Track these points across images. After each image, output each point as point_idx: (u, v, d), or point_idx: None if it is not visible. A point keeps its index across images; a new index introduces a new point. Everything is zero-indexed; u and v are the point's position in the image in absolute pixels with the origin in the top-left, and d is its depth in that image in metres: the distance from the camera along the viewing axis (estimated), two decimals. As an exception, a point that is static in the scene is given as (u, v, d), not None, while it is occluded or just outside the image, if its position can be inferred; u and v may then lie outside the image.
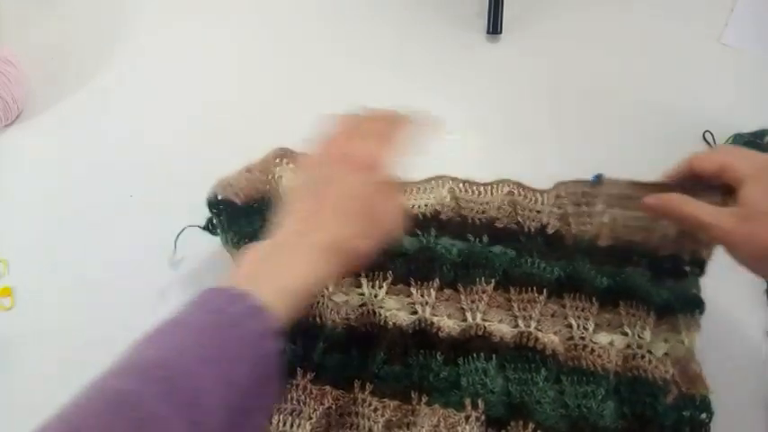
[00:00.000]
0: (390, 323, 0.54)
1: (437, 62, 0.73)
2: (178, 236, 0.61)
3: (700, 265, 0.55)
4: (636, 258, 0.55)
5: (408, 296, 0.56)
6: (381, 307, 0.55)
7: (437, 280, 0.56)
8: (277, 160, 0.61)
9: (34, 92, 0.74)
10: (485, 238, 0.57)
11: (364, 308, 0.55)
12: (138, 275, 0.62)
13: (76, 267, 0.63)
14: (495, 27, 0.73)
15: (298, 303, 0.41)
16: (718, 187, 0.48)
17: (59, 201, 0.67)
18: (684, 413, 0.50)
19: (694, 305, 0.53)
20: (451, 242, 0.57)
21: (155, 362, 0.35)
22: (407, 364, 0.53)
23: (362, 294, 0.56)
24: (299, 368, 0.52)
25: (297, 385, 0.52)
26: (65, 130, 0.72)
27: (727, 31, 0.72)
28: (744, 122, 0.63)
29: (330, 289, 0.55)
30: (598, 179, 0.56)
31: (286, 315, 0.40)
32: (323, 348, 0.53)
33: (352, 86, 0.73)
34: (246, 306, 0.38)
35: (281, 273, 0.41)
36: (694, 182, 0.49)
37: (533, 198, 0.59)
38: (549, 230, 0.57)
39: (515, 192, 0.59)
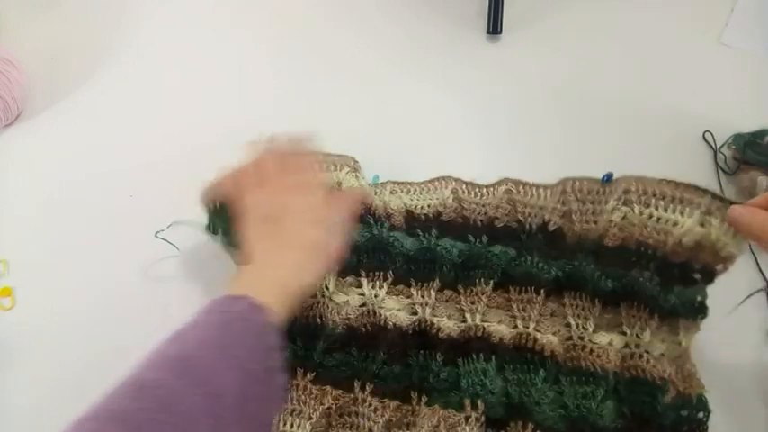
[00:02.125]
0: (390, 323, 0.54)
1: (437, 62, 0.73)
2: (161, 231, 0.61)
3: (709, 275, 0.52)
4: (644, 262, 0.53)
5: (408, 297, 0.56)
6: (381, 307, 0.55)
7: (437, 281, 0.56)
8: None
9: (34, 92, 0.74)
10: (484, 239, 0.57)
11: (364, 308, 0.55)
12: (138, 275, 0.62)
13: (76, 267, 0.63)
14: (495, 27, 0.73)
15: (292, 301, 0.46)
16: None
17: (59, 201, 0.68)
18: (682, 413, 0.50)
19: (698, 312, 0.52)
20: (452, 243, 0.57)
21: (173, 356, 0.39)
22: (407, 364, 0.53)
23: (363, 294, 0.56)
24: (299, 368, 0.52)
25: (297, 385, 0.52)
26: (65, 130, 0.72)
27: (727, 31, 0.72)
28: (744, 122, 0.63)
29: (331, 289, 0.55)
30: (609, 178, 0.56)
31: (284, 311, 0.45)
32: (323, 348, 0.53)
33: (352, 86, 0.73)
34: (249, 304, 0.43)
35: (272, 277, 0.46)
36: None
37: (533, 194, 0.58)
38: (551, 227, 0.56)
39: (513, 189, 0.59)
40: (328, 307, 0.54)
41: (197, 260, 0.62)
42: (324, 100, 0.72)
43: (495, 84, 0.71)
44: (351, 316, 0.54)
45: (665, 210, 0.52)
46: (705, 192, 0.51)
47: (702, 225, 0.50)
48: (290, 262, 0.48)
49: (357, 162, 0.62)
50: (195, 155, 0.68)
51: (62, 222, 0.66)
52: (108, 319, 0.60)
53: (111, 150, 0.70)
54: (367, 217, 0.58)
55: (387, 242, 0.56)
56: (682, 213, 0.51)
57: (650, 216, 0.52)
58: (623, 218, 0.54)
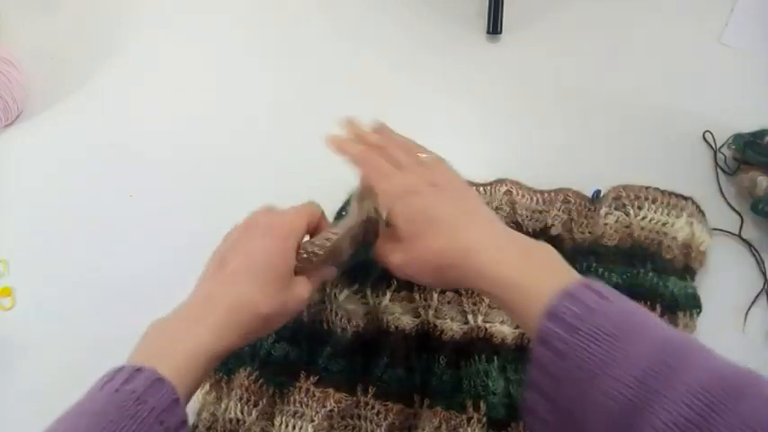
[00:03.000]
0: (393, 326, 0.53)
1: (437, 62, 0.73)
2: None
3: (691, 273, 0.56)
4: (641, 258, 0.56)
5: (412, 301, 0.55)
6: (385, 312, 0.54)
7: None
8: None
9: (34, 92, 0.74)
10: None
11: (369, 315, 0.54)
12: (137, 275, 0.62)
13: (76, 267, 0.63)
14: (495, 27, 0.73)
15: (204, 368, 0.41)
16: None
17: (59, 201, 0.67)
18: None
19: (693, 305, 0.54)
20: None
21: None
22: (410, 367, 0.52)
23: (367, 303, 0.55)
24: (302, 371, 0.52)
25: (300, 388, 0.51)
26: (65, 131, 0.72)
27: (727, 31, 0.72)
28: (744, 122, 0.63)
29: (341, 298, 0.55)
30: (597, 195, 0.60)
31: (192, 383, 0.40)
32: (329, 354, 0.53)
33: (352, 86, 0.73)
34: (144, 380, 0.37)
35: (182, 342, 0.41)
36: None
37: (532, 198, 0.60)
38: (553, 232, 0.58)
39: (513, 191, 0.60)
40: (337, 314, 0.54)
41: (198, 260, 0.62)
42: (323, 100, 0.72)
43: (495, 84, 0.71)
44: (359, 324, 0.54)
45: (656, 212, 0.57)
46: (686, 198, 0.58)
47: (688, 226, 0.57)
48: (213, 320, 0.42)
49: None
50: (195, 155, 0.68)
51: (62, 222, 0.66)
52: (108, 319, 0.60)
53: (111, 150, 0.70)
54: None
55: None
56: (669, 215, 0.57)
57: (644, 217, 0.57)
58: (616, 221, 0.57)
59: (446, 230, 0.42)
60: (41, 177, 0.69)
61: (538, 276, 0.39)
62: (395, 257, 0.45)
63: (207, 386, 0.54)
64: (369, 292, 0.55)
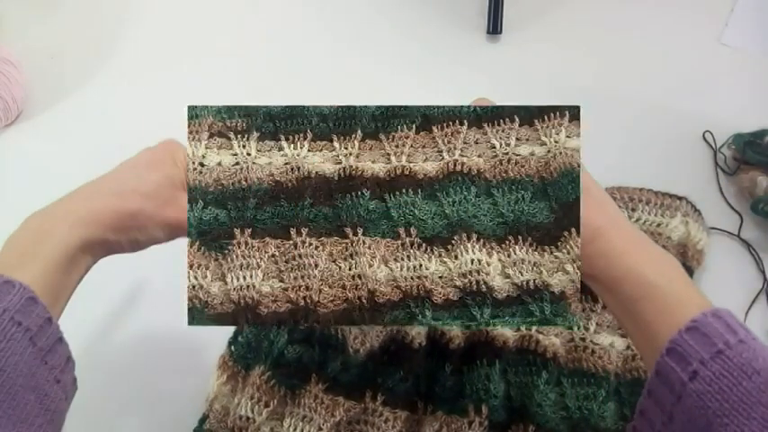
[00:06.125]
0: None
1: (437, 62, 0.73)
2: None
3: (689, 272, 0.56)
4: None
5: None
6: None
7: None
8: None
9: (34, 92, 0.74)
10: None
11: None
12: (137, 276, 0.62)
13: (77, 268, 0.63)
14: (495, 27, 0.73)
15: (74, 264, 0.40)
16: None
17: (60, 201, 0.67)
18: None
19: None
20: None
21: None
22: (416, 375, 0.52)
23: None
24: (313, 375, 0.52)
25: (310, 392, 0.51)
26: (65, 130, 0.72)
27: (727, 31, 0.72)
28: (744, 122, 0.63)
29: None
30: None
31: (63, 281, 0.38)
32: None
33: (353, 85, 0.73)
34: None
35: (50, 239, 0.39)
36: None
37: None
38: None
39: None
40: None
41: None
42: (323, 100, 0.72)
43: (495, 84, 0.71)
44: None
45: (650, 213, 0.57)
46: (680, 198, 0.58)
47: (683, 225, 0.57)
48: (82, 211, 0.41)
49: None
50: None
51: (62, 223, 0.66)
52: (108, 319, 0.60)
53: (111, 150, 0.70)
54: None
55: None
56: (663, 215, 0.57)
57: (638, 219, 0.57)
58: None
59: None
60: (41, 177, 0.69)
61: (677, 283, 0.35)
62: None
63: (224, 377, 0.54)
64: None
